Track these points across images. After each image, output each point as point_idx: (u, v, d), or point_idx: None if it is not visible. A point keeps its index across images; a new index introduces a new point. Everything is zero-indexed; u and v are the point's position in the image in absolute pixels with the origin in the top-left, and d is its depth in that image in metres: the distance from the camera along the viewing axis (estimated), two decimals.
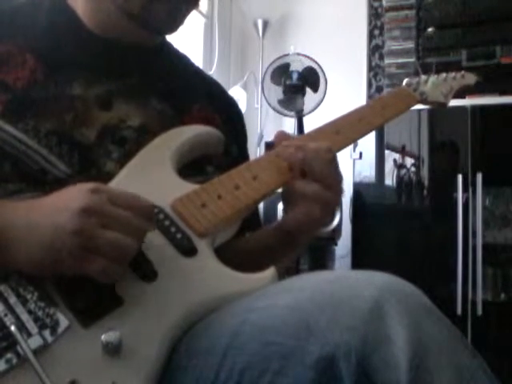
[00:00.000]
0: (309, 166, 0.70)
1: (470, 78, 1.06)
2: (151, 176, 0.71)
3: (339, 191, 0.74)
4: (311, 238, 0.79)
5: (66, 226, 0.54)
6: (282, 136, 0.76)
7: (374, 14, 3.04)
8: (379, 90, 2.97)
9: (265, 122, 2.98)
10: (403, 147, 2.52)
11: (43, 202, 0.58)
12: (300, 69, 2.56)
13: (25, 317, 0.53)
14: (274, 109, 2.67)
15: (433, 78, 1.01)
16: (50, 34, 0.76)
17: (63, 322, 0.54)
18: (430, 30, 2.79)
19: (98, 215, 0.55)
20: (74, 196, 0.56)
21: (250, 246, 0.82)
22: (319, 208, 0.70)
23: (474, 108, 2.37)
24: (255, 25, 3.09)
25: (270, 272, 0.64)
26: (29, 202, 0.59)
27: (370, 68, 3.02)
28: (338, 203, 0.75)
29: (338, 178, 0.72)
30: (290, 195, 0.73)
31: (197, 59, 2.81)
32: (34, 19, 0.77)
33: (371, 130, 0.86)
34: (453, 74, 1.04)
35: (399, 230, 2.52)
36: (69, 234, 0.53)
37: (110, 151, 0.72)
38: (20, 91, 0.70)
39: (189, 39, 2.79)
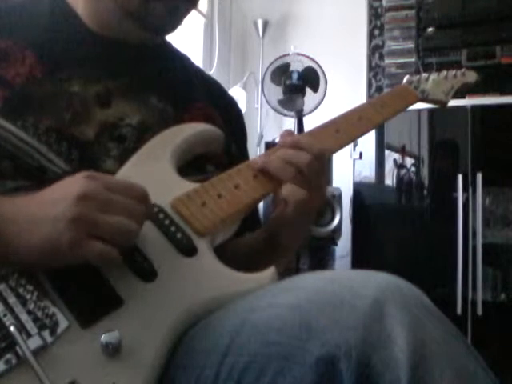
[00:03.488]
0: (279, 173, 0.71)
1: (471, 76, 1.06)
2: (151, 174, 0.70)
3: (317, 192, 0.74)
4: (297, 242, 0.80)
5: (64, 215, 0.54)
6: (286, 136, 0.76)
7: (374, 14, 3.04)
8: (379, 89, 2.97)
9: (265, 122, 2.97)
10: (403, 147, 2.52)
11: (41, 195, 0.58)
12: (300, 69, 2.56)
13: (24, 317, 0.53)
14: (274, 109, 2.67)
15: (433, 76, 1.00)
16: (50, 31, 0.76)
17: (63, 322, 0.54)
18: (429, 29, 2.78)
19: (96, 200, 0.55)
20: (70, 185, 0.57)
21: (243, 248, 0.82)
22: (293, 206, 0.73)
23: (474, 108, 2.37)
24: (255, 25, 3.09)
25: (269, 272, 0.64)
26: (27, 196, 0.59)
27: (370, 68, 3.02)
28: (316, 203, 0.76)
29: (315, 179, 0.72)
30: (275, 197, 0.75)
31: (197, 59, 2.81)
32: (34, 17, 0.77)
33: (371, 128, 0.85)
34: (453, 72, 1.03)
35: (399, 230, 2.52)
36: (67, 222, 0.54)
37: (109, 149, 0.72)
38: (19, 87, 0.70)
39: (189, 39, 2.78)
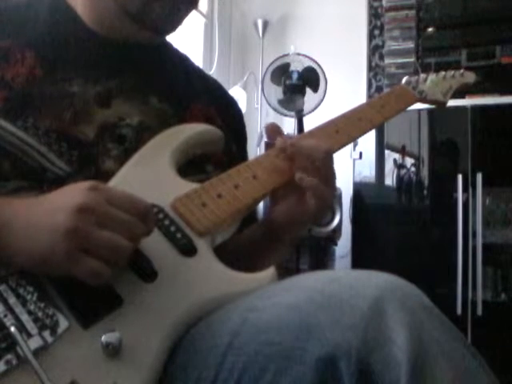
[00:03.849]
0: (306, 158, 0.72)
1: (470, 77, 1.06)
2: (151, 175, 0.71)
3: (334, 189, 0.75)
4: (295, 237, 0.79)
5: (61, 226, 0.54)
6: (271, 128, 0.77)
7: (374, 13, 3.03)
8: (379, 89, 2.97)
9: (265, 122, 2.97)
10: (403, 147, 2.52)
11: (42, 201, 0.58)
12: (300, 69, 2.56)
13: (24, 317, 0.53)
14: (274, 109, 2.67)
15: (432, 77, 1.01)
16: (50, 31, 0.76)
17: (63, 322, 0.54)
18: (430, 29, 2.78)
19: (95, 214, 0.55)
20: (72, 194, 0.56)
21: (241, 242, 0.82)
22: (309, 201, 0.72)
23: (474, 108, 2.37)
24: (255, 25, 3.09)
25: (269, 272, 0.64)
26: (28, 201, 0.59)
27: (370, 68, 3.02)
28: (332, 200, 0.76)
29: (326, 177, 0.73)
30: (281, 189, 0.74)
31: (197, 59, 2.81)
32: (34, 17, 0.77)
33: (371, 129, 0.86)
34: (452, 73, 1.03)
35: (399, 230, 2.52)
36: (64, 234, 0.53)
37: (109, 149, 0.72)
38: (19, 88, 0.70)
39: (189, 39, 2.78)
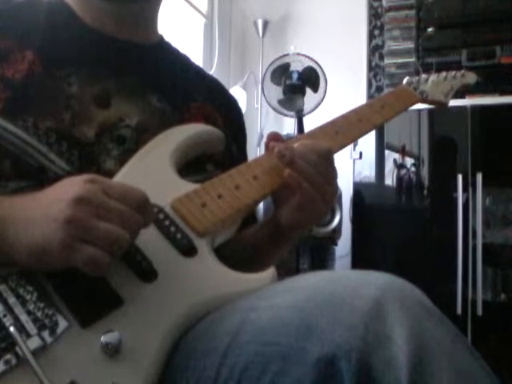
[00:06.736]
0: (295, 165, 0.71)
1: (471, 77, 1.06)
2: (151, 175, 0.70)
3: (336, 188, 0.74)
4: (300, 236, 0.79)
5: (59, 216, 0.54)
6: (272, 136, 0.76)
7: (374, 13, 3.03)
8: (379, 89, 2.97)
9: (265, 122, 2.97)
10: (403, 147, 2.51)
11: (40, 195, 0.58)
12: (300, 69, 2.56)
13: (24, 317, 0.53)
14: (274, 109, 2.66)
15: (433, 77, 1.01)
16: (49, 30, 0.76)
17: (62, 322, 0.54)
18: (430, 29, 2.78)
19: (92, 205, 0.54)
20: (69, 187, 0.56)
21: (242, 242, 0.82)
22: (308, 205, 0.72)
23: (474, 108, 2.37)
24: (255, 25, 3.09)
25: (269, 272, 0.64)
26: (27, 196, 0.59)
27: (370, 68, 3.02)
28: (334, 200, 0.76)
29: (327, 178, 0.73)
30: (282, 190, 0.74)
31: (197, 59, 2.81)
32: (33, 16, 0.77)
33: (371, 130, 0.86)
34: (453, 73, 1.04)
35: (399, 230, 2.51)
36: (61, 224, 0.53)
37: (109, 149, 0.72)
38: (19, 85, 0.70)
39: (189, 39, 2.78)
